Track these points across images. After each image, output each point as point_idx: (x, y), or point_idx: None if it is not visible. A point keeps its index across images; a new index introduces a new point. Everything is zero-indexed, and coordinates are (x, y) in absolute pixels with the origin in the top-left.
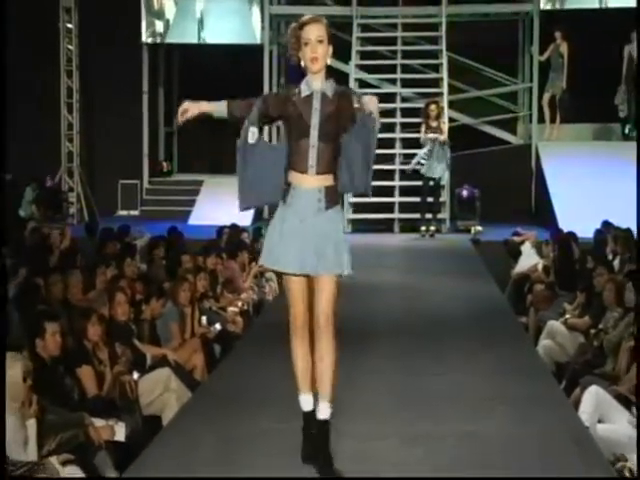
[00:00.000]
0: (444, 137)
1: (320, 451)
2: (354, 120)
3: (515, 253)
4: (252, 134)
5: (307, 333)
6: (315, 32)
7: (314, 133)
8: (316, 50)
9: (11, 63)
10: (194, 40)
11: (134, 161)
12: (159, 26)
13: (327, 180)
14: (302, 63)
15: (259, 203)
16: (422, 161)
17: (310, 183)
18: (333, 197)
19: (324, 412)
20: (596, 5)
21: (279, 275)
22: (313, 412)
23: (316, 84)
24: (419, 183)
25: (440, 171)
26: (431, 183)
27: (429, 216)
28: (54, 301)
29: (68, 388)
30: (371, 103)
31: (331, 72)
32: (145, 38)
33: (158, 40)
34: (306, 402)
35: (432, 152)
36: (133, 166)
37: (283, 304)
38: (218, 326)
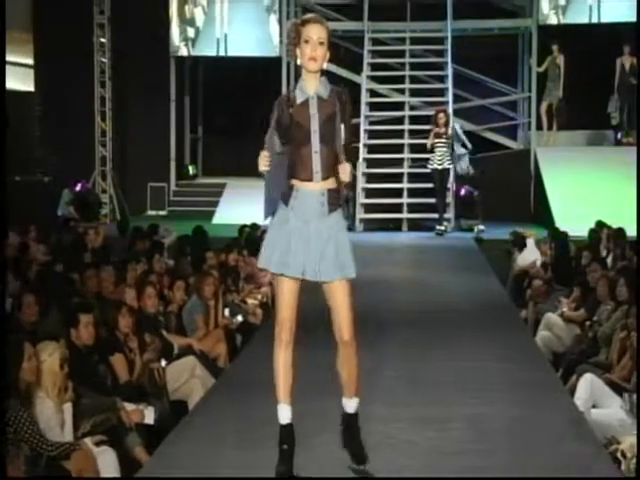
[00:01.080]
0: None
1: (353, 441)
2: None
3: (521, 244)
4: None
5: (292, 342)
6: (317, 32)
7: (315, 138)
8: (316, 50)
9: (50, 75)
10: (218, 52)
11: (162, 165)
12: (191, 32)
13: (329, 183)
14: (298, 61)
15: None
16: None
17: (313, 186)
18: (336, 200)
19: (353, 406)
20: (592, 20)
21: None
22: (291, 425)
23: (310, 87)
24: (426, 185)
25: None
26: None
27: (436, 216)
28: (88, 294)
29: (101, 375)
30: (344, 174)
31: (343, 83)
32: (178, 43)
33: (190, 45)
34: (284, 414)
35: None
36: (161, 170)
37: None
38: (240, 318)
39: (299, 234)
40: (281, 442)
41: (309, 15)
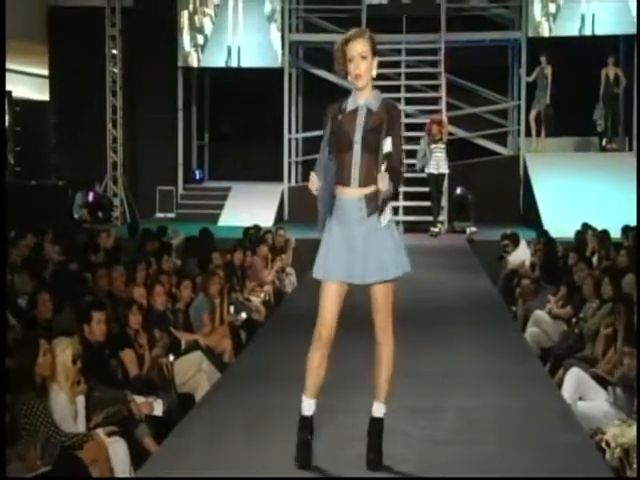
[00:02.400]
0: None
1: (374, 446)
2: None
3: (515, 242)
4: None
5: (330, 343)
6: (358, 48)
7: (357, 147)
8: (359, 66)
9: (64, 85)
10: (223, 63)
11: (170, 170)
12: (200, 39)
13: (367, 189)
14: (349, 78)
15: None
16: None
17: (350, 193)
18: (374, 204)
19: (380, 411)
20: (583, 29)
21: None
22: (311, 418)
23: (361, 99)
24: (421, 189)
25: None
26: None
27: (431, 218)
28: (100, 293)
29: (113, 369)
30: (382, 183)
31: (342, 92)
32: (189, 49)
33: (200, 52)
34: (308, 407)
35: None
36: (169, 174)
37: (301, 295)
38: (244, 315)
39: (342, 240)
40: (302, 432)
41: (351, 32)
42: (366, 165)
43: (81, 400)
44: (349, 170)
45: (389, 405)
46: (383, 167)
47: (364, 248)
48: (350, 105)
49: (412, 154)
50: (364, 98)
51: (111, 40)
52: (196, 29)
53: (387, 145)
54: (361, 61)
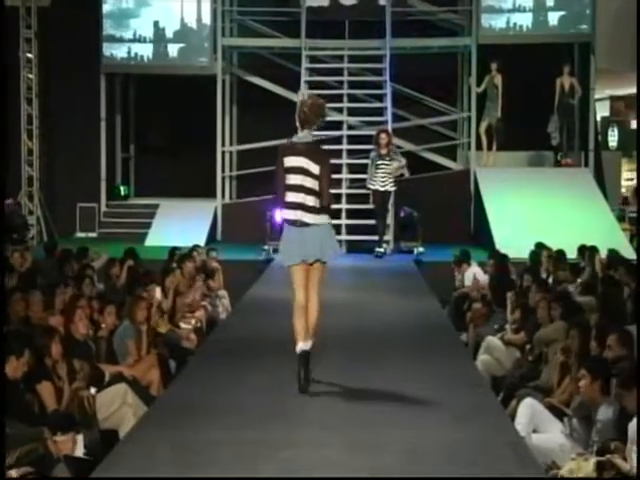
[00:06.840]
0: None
1: (303, 372)
2: None
3: (466, 259)
4: None
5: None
6: None
7: None
8: None
9: None
10: (148, 64)
11: (92, 185)
12: (123, 45)
13: None
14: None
15: None
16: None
17: None
18: None
19: (308, 345)
20: (530, 40)
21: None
22: (304, 353)
23: None
24: (365, 206)
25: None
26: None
27: (376, 238)
28: (15, 319)
29: (28, 403)
30: None
31: (280, 101)
32: (112, 51)
33: (123, 58)
34: (299, 346)
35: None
36: (91, 190)
37: (235, 321)
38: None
39: None
40: (298, 367)
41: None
42: None
43: None
44: None
45: (328, 439)
46: None
47: None
48: None
49: (354, 168)
50: None
51: (26, 43)
52: (120, 30)
53: None
54: None
